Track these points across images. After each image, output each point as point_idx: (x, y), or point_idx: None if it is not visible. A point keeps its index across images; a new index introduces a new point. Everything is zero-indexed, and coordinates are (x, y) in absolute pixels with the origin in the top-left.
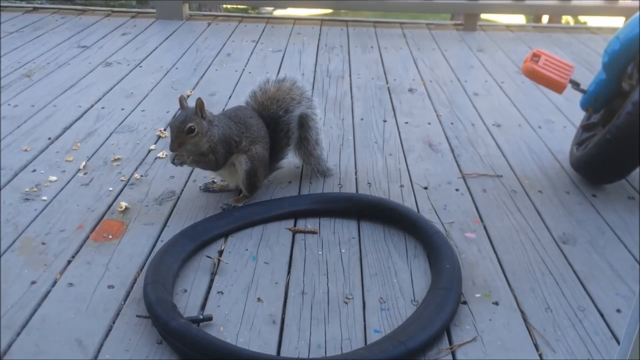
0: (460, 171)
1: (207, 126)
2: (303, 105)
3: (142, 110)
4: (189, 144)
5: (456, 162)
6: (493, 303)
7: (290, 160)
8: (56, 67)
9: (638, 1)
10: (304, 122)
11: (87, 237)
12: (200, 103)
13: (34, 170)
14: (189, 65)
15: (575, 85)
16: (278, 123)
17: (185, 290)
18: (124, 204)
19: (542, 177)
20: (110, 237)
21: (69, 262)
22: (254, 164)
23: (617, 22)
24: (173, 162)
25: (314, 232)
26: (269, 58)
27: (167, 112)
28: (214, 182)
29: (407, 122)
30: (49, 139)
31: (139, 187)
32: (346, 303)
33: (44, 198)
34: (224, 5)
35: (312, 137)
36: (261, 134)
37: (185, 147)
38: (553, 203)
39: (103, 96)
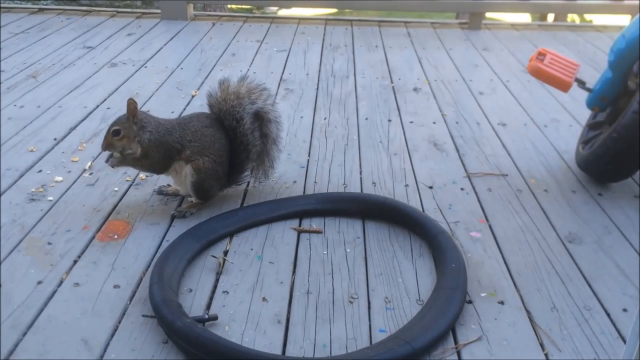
0: (466, 170)
1: (136, 130)
2: (254, 105)
3: (147, 110)
4: (116, 146)
5: (461, 161)
6: (498, 302)
7: (295, 160)
8: (62, 68)
9: None
10: (261, 118)
11: (93, 237)
12: (132, 107)
13: (40, 171)
14: (193, 65)
15: (581, 83)
16: (236, 135)
17: (191, 290)
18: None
19: (547, 176)
20: (115, 237)
21: (75, 262)
22: (200, 176)
23: (623, 20)
24: (107, 162)
25: (318, 232)
26: (273, 58)
27: (172, 112)
28: (169, 185)
29: (412, 122)
30: (55, 139)
31: (144, 187)
32: (351, 302)
33: (50, 198)
34: (229, 6)
35: (273, 132)
36: (215, 146)
37: (115, 148)
38: (559, 202)
39: (108, 97)
